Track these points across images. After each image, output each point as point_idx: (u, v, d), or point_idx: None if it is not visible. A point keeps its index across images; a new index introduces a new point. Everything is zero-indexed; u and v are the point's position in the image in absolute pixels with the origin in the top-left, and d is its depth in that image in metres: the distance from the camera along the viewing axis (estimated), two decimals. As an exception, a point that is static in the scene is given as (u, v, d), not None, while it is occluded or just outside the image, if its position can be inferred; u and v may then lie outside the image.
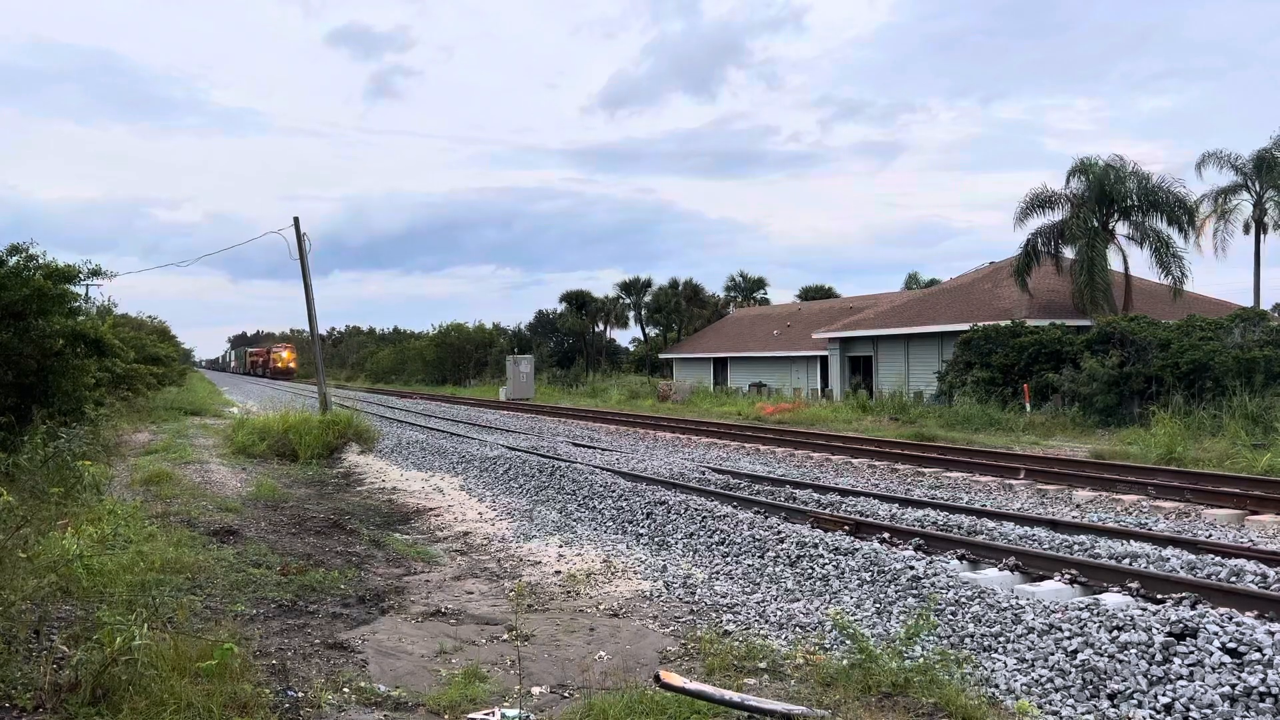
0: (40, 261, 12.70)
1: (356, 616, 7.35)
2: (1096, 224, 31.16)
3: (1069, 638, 6.11)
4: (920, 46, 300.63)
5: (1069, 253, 32.30)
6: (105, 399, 17.36)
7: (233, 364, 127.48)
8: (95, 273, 14.28)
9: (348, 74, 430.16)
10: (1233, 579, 7.81)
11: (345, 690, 5.57)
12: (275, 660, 5.95)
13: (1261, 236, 36.10)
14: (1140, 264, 32.57)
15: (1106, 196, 30.87)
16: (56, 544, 6.21)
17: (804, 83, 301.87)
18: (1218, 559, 8.38)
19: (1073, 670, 5.78)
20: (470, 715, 5.20)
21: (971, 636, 6.56)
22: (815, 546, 8.96)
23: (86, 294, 23.56)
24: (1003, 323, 28.77)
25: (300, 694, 5.38)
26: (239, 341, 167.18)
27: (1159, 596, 7.22)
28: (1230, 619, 6.01)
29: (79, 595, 6.27)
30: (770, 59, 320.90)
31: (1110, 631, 6.02)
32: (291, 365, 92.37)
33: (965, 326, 30.29)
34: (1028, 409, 24.53)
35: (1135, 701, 5.40)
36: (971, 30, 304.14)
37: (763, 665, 6.13)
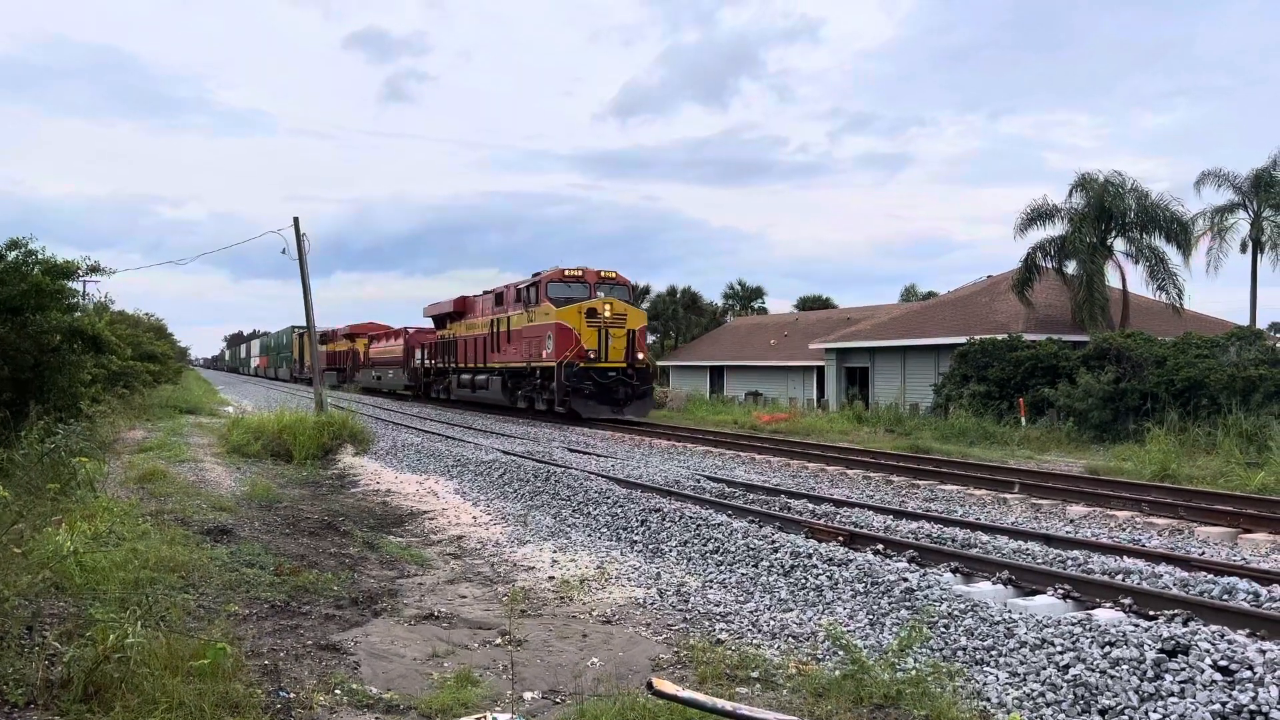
0: (39, 257, 12.73)
1: (349, 618, 7.34)
2: (1095, 239, 31.27)
3: (1061, 652, 6.11)
4: (930, 59, 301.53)
5: (1068, 268, 32.40)
6: (101, 396, 17.34)
7: (256, 362, 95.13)
8: (94, 269, 14.33)
9: (362, 77, 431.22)
10: (1225, 597, 7.83)
11: (337, 692, 5.57)
12: (268, 660, 5.94)
13: (1258, 255, 36.24)
14: (1137, 280, 32.68)
15: (1106, 212, 30.98)
16: (50, 540, 6.20)
17: (815, 94, 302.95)
18: (1210, 576, 8.39)
19: (1064, 685, 5.79)
20: (462, 719, 5.19)
21: (964, 649, 6.56)
22: (809, 557, 8.96)
23: (84, 290, 23.54)
24: (1000, 336, 28.80)
25: (292, 695, 5.38)
26: (235, 340, 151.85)
27: (1151, 613, 7.22)
28: (1222, 636, 6.03)
29: (72, 592, 6.26)
30: (784, 70, 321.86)
31: (1102, 647, 6.03)
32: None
33: (962, 339, 30.32)
34: (1023, 423, 24.57)
35: (1126, 717, 5.40)
36: (982, 44, 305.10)
37: (755, 674, 6.13)
